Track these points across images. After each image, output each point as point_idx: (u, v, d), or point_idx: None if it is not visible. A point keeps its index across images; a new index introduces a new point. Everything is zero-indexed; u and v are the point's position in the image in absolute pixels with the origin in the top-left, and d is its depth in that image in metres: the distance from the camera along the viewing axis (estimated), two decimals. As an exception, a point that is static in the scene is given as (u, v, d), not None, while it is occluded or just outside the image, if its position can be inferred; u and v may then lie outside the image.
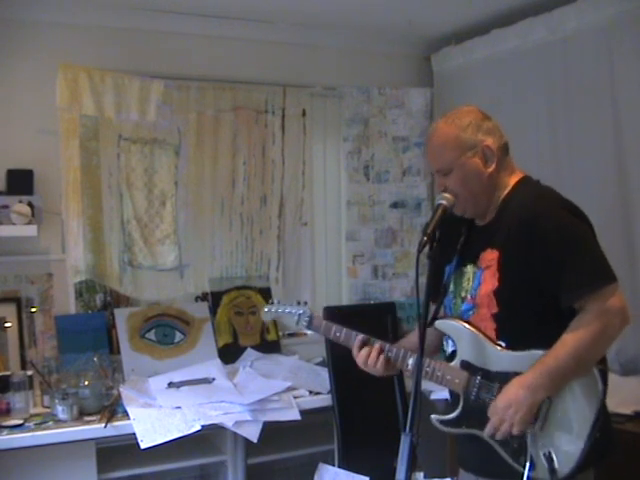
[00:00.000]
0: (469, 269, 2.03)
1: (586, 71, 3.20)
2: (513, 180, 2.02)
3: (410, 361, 2.04)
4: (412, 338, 2.20)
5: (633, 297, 2.94)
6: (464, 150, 1.96)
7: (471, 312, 2.00)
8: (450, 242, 2.08)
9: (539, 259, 1.88)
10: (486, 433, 1.90)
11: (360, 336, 2.12)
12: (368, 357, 2.08)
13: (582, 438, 1.84)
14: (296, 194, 3.80)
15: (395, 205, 4.01)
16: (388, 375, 2.13)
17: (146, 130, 3.42)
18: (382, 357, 2.07)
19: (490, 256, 1.96)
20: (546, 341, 1.86)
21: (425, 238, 1.85)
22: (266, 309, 2.35)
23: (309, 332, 3.65)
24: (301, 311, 2.24)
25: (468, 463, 2.09)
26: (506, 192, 2.01)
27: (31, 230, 3.05)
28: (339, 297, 3.98)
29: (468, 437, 1.99)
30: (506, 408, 1.86)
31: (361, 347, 2.10)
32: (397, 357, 2.06)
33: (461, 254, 2.06)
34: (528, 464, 1.85)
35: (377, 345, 2.08)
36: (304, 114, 3.81)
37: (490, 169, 1.98)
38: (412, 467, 1.72)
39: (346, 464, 3.05)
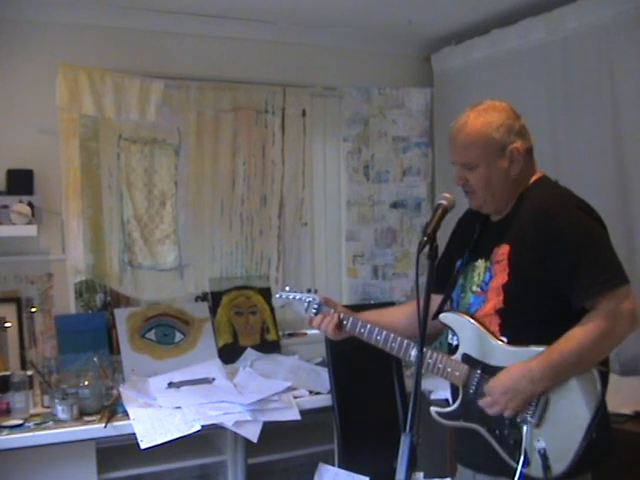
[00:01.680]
0: (480, 263, 2.03)
1: (586, 71, 3.20)
2: (532, 178, 2.04)
3: (412, 352, 2.04)
4: (386, 313, 2.32)
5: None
6: (493, 150, 1.96)
7: (477, 306, 2.00)
8: (464, 237, 2.10)
9: (552, 257, 1.88)
10: (479, 404, 1.92)
11: (368, 326, 2.14)
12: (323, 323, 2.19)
13: (578, 438, 1.84)
14: (296, 194, 3.80)
15: (395, 205, 4.01)
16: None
17: (146, 130, 3.42)
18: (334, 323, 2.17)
19: (502, 250, 1.97)
20: (548, 339, 1.87)
21: (425, 238, 1.85)
22: (277, 295, 2.38)
23: (310, 332, 3.71)
24: (310, 298, 2.27)
25: (466, 459, 2.10)
26: (522, 189, 2.02)
27: (31, 230, 3.05)
28: (339, 297, 3.97)
29: (467, 433, 2.00)
30: (503, 394, 1.87)
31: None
32: (400, 348, 2.07)
33: (474, 249, 2.07)
34: (522, 460, 1.85)
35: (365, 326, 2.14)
36: (304, 114, 3.81)
37: (515, 172, 1.99)
38: (412, 467, 1.72)
39: (346, 464, 3.05)
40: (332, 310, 2.23)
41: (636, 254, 3.04)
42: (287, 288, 2.37)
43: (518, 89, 3.53)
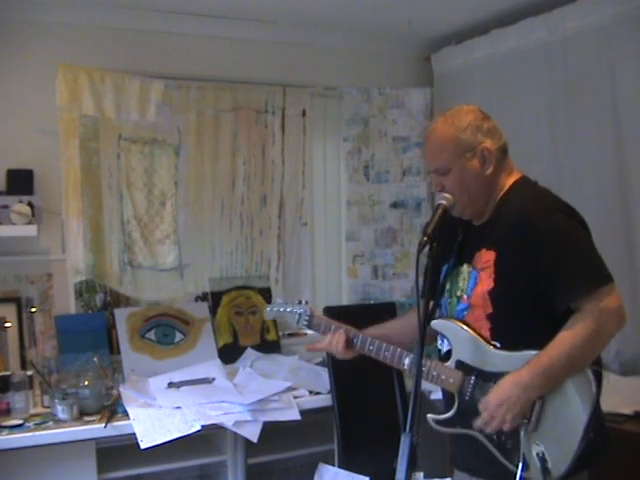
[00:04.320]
0: (465, 268, 2.03)
1: (586, 71, 3.21)
2: (510, 180, 2.02)
3: (406, 361, 2.05)
4: (391, 326, 2.29)
5: (633, 297, 2.95)
6: (462, 151, 1.96)
7: (466, 312, 2.00)
8: (448, 241, 2.08)
9: (534, 261, 1.88)
10: (475, 427, 1.91)
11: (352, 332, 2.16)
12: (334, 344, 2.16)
13: (575, 439, 1.83)
14: (296, 194, 3.80)
15: (395, 205, 4.01)
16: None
17: (146, 130, 3.42)
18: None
19: (486, 257, 1.96)
20: (541, 342, 1.86)
21: (425, 238, 1.85)
22: (268, 308, 2.38)
23: (309, 332, 3.71)
24: (301, 310, 2.26)
25: (463, 463, 2.09)
26: (503, 192, 2.01)
27: (31, 230, 3.05)
28: (339, 297, 3.98)
29: (463, 437, 1.99)
30: (498, 406, 1.86)
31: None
32: (393, 357, 2.07)
33: (458, 253, 2.07)
34: (520, 464, 1.85)
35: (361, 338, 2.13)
36: (304, 114, 3.81)
37: (488, 171, 1.98)
38: (412, 467, 1.72)
39: (346, 464, 3.05)
40: (333, 327, 2.20)
41: (636, 254, 3.04)
42: (279, 300, 2.39)
43: (518, 89, 3.54)
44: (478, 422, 1.90)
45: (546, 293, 1.89)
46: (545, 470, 1.84)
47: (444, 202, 1.96)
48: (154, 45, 3.48)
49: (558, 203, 1.96)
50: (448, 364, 1.99)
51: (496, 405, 1.87)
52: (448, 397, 2.03)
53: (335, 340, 2.16)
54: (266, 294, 3.61)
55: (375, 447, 2.93)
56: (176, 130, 3.49)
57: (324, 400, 3.10)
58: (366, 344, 2.13)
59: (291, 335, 3.71)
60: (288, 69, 3.79)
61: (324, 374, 3.20)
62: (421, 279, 1.83)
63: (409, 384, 3.17)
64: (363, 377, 3.06)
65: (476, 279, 1.97)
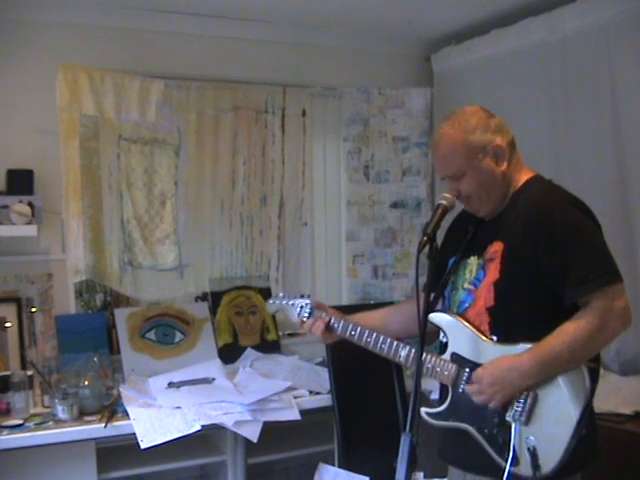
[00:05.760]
0: (473, 260, 2.03)
1: (586, 71, 3.21)
2: (524, 177, 2.03)
3: (402, 353, 2.06)
4: (379, 315, 2.32)
5: (633, 297, 2.94)
6: (475, 153, 1.96)
7: (467, 304, 2.00)
8: (457, 236, 2.10)
9: (545, 254, 1.88)
10: (465, 389, 1.93)
11: (358, 328, 2.16)
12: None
13: (567, 435, 1.83)
14: (296, 194, 3.80)
15: (395, 205, 4.01)
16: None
17: (146, 130, 3.42)
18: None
19: (495, 248, 1.96)
20: (538, 337, 1.87)
21: (425, 238, 1.86)
22: (270, 301, 2.43)
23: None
24: (303, 303, 2.28)
25: (455, 458, 2.09)
26: (517, 188, 2.01)
27: (31, 230, 3.05)
28: (339, 297, 3.98)
29: (456, 432, 1.99)
30: (491, 384, 1.87)
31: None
32: (390, 349, 2.08)
33: (467, 247, 2.07)
34: (509, 459, 1.85)
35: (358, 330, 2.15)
36: (304, 114, 3.81)
37: (502, 167, 1.98)
38: (412, 467, 1.72)
39: (346, 464, 3.05)
40: (323, 313, 2.24)
41: (636, 254, 3.04)
42: (280, 294, 2.42)
43: (518, 89, 3.54)
44: (467, 387, 1.92)
45: (555, 285, 1.89)
46: (535, 465, 1.84)
47: (444, 202, 1.96)
48: (154, 45, 3.48)
49: (572, 199, 1.97)
50: (443, 357, 2.00)
51: (488, 384, 1.87)
52: (442, 390, 2.03)
53: (315, 326, 2.21)
54: (266, 294, 3.61)
55: (375, 447, 2.93)
56: (176, 130, 3.49)
57: (324, 400, 3.10)
58: (347, 330, 2.17)
59: (291, 335, 3.71)
60: (288, 69, 3.79)
61: (324, 374, 3.20)
62: (422, 279, 1.83)
63: (409, 384, 3.17)
64: (363, 377, 3.07)
65: (485, 271, 1.98)
